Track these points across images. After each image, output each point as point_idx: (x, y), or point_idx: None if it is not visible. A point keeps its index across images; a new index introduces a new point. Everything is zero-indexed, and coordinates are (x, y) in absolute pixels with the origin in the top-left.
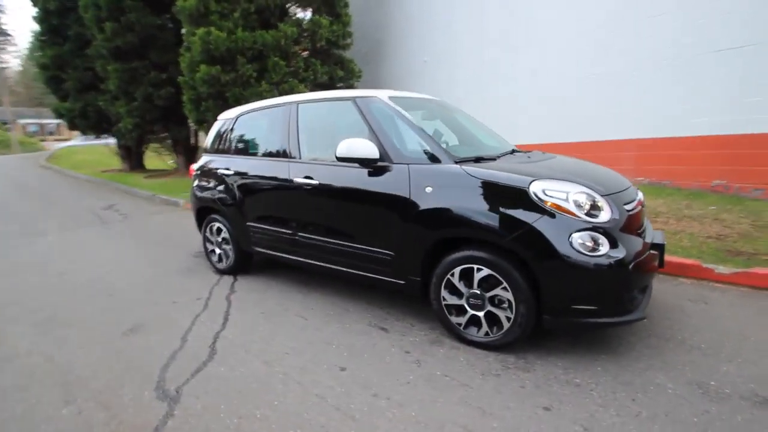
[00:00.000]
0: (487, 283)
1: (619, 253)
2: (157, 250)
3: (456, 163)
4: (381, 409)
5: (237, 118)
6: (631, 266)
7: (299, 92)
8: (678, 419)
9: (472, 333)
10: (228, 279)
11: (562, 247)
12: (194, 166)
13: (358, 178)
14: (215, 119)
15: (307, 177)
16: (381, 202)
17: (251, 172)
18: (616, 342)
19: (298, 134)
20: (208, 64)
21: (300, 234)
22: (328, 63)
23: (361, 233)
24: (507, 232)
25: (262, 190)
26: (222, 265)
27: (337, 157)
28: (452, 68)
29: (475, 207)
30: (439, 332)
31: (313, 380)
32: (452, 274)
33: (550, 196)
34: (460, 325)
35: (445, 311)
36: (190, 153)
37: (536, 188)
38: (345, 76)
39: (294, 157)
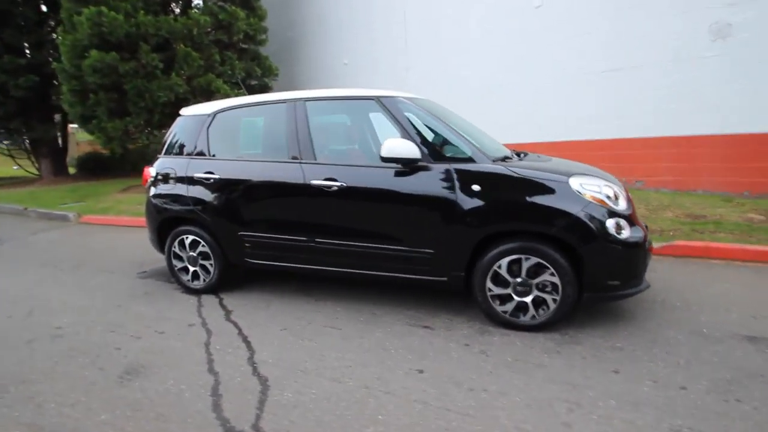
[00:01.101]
0: (533, 271)
1: (638, 234)
2: (82, 276)
3: (493, 162)
4: (488, 401)
5: (214, 115)
6: (646, 245)
7: (218, 88)
8: (705, 361)
9: (521, 318)
10: (211, 299)
11: (602, 232)
12: (151, 171)
13: (393, 179)
14: (111, 116)
15: (329, 179)
16: (420, 202)
17: (247, 176)
18: (616, 311)
19: (310, 134)
20: (101, 49)
21: (318, 240)
22: (245, 59)
23: (397, 234)
24: (557, 223)
25: (264, 195)
26: (198, 284)
27: (382, 158)
28: (373, 73)
29: (525, 202)
30: (479, 322)
31: (401, 387)
32: (499, 266)
33: (588, 189)
34: (506, 312)
35: (490, 301)
36: (58, 157)
37: (575, 183)
38: (263, 74)
39: (307, 159)
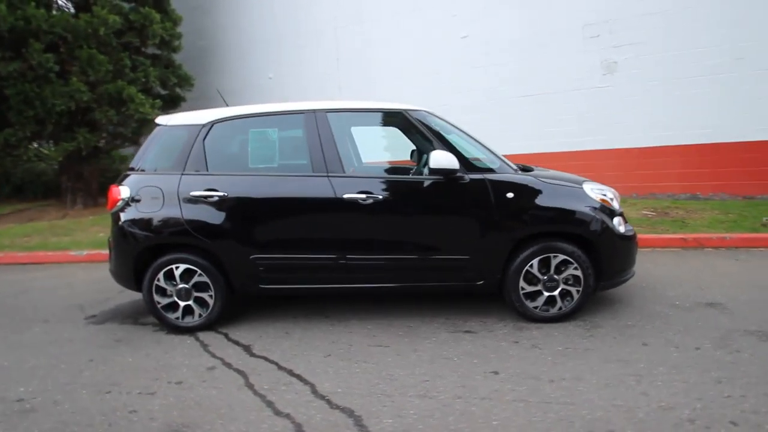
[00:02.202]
0: (559, 267)
1: (631, 229)
2: (12, 332)
3: (515, 172)
4: (573, 388)
5: (211, 125)
6: (636, 236)
7: (132, 97)
8: (694, 326)
9: (549, 311)
10: (213, 336)
11: (611, 228)
12: (122, 191)
13: (430, 189)
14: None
15: (363, 192)
16: (458, 211)
17: (264, 193)
18: (603, 296)
19: (336, 146)
20: None
21: (349, 256)
22: (158, 65)
23: (434, 243)
24: (580, 222)
25: (285, 212)
26: (192, 320)
27: (431, 170)
28: (302, 90)
29: (555, 206)
30: (511, 320)
31: (491, 391)
32: (531, 266)
33: (597, 193)
34: (536, 307)
35: (523, 299)
36: None
37: (587, 188)
38: (178, 83)
39: (335, 172)
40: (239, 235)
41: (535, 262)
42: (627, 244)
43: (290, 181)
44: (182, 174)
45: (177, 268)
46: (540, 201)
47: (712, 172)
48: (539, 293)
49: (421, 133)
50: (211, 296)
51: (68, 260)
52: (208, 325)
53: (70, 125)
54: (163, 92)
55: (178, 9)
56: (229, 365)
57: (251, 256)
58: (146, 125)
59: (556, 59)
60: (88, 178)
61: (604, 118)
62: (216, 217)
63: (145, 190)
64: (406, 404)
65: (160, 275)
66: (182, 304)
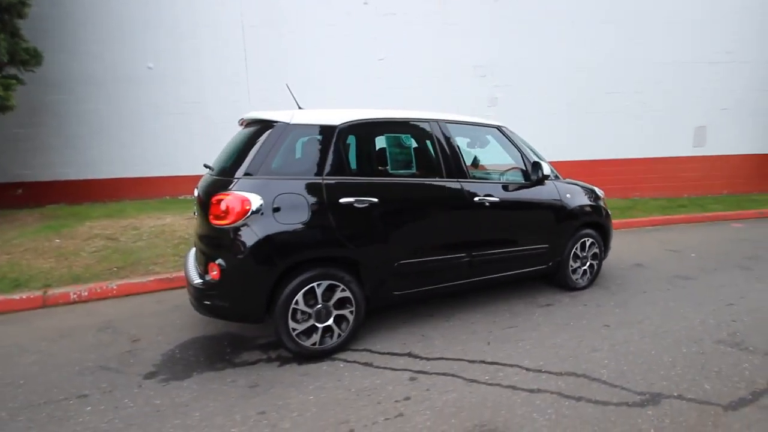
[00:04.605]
0: (587, 246)
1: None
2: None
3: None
4: (616, 338)
5: (347, 128)
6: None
7: None
8: (682, 286)
9: (580, 283)
10: (359, 354)
11: (608, 217)
12: (253, 201)
13: (528, 191)
14: None
15: (487, 195)
16: (547, 208)
17: (410, 198)
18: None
19: (460, 154)
20: None
21: (474, 254)
22: (5, 32)
23: (531, 236)
24: (601, 213)
25: (429, 216)
26: (329, 343)
27: (545, 176)
28: (199, 87)
29: (590, 204)
30: (555, 293)
31: (609, 334)
32: (576, 248)
33: (600, 192)
34: (576, 279)
35: (570, 274)
36: None
37: (597, 189)
38: (26, 59)
39: (462, 177)
40: (387, 242)
41: (578, 245)
42: (611, 227)
43: (431, 186)
44: (324, 179)
45: (319, 285)
46: (585, 199)
47: None
48: (578, 269)
49: (513, 144)
50: (351, 312)
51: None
52: (339, 347)
53: None
54: (12, 71)
55: None
56: (425, 372)
57: (396, 263)
58: None
59: (456, 90)
60: None
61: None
62: (365, 224)
63: (284, 197)
64: (592, 354)
65: (299, 296)
66: (320, 326)
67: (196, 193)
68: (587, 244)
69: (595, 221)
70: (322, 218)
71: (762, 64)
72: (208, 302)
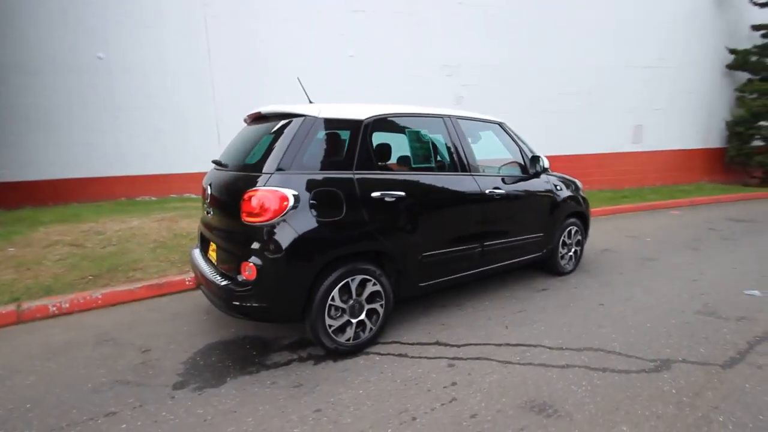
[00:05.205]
0: (574, 234)
1: None
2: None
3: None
4: (605, 312)
5: (372, 122)
6: None
7: None
8: (650, 267)
9: (567, 268)
10: (391, 347)
11: (588, 205)
12: (290, 196)
13: (528, 183)
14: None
15: (495, 187)
16: (542, 199)
17: (433, 190)
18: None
19: (471, 148)
20: None
21: (485, 244)
22: None
23: (531, 226)
24: (583, 203)
25: (449, 208)
26: (363, 337)
27: (545, 169)
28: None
29: (574, 195)
30: (547, 278)
31: (599, 303)
32: (564, 237)
33: (580, 185)
34: (564, 264)
35: (559, 259)
36: None
37: (578, 181)
38: None
39: (473, 170)
40: (414, 234)
41: (566, 233)
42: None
43: (450, 179)
44: (354, 173)
45: (353, 280)
46: (569, 191)
47: None
48: (566, 255)
49: (513, 139)
50: (381, 305)
51: None
52: (372, 339)
53: None
54: None
55: None
56: (460, 358)
57: (420, 255)
58: None
59: (425, 88)
60: None
61: None
62: (394, 218)
63: (319, 192)
64: (600, 330)
65: (334, 292)
66: (354, 321)
67: (209, 190)
68: (572, 231)
69: (578, 210)
70: (357, 213)
71: (687, 68)
72: (237, 303)
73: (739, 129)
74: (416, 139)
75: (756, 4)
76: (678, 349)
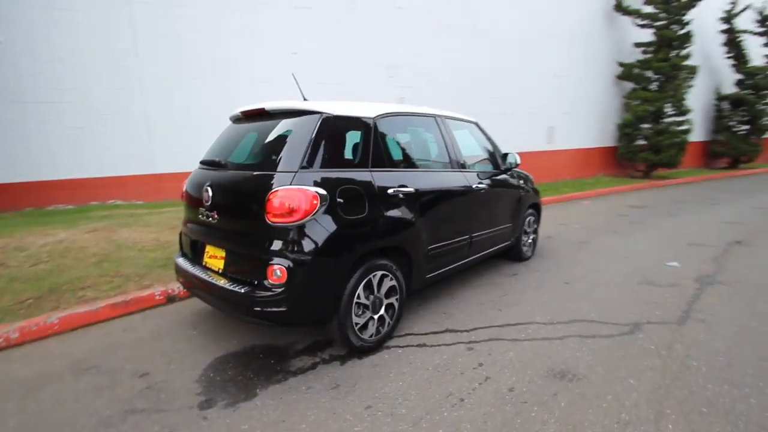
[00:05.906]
0: (532, 223)
1: None
2: None
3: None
4: (571, 292)
5: (380, 119)
6: None
7: None
8: (609, 248)
9: (528, 254)
10: (408, 339)
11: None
12: (321, 195)
13: (503, 178)
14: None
15: (480, 182)
16: (514, 191)
17: (438, 186)
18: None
19: (459, 146)
20: None
21: (473, 235)
22: None
23: (505, 217)
24: (537, 194)
25: (448, 202)
26: (383, 331)
27: (516, 164)
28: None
29: (532, 187)
30: (511, 264)
31: (564, 282)
32: (525, 225)
33: (532, 178)
34: (526, 251)
35: (522, 246)
36: None
37: (530, 175)
38: None
39: (462, 167)
40: (422, 228)
41: (526, 222)
42: None
43: (448, 174)
44: (371, 170)
45: (374, 276)
46: (528, 184)
47: None
48: (527, 242)
49: (487, 137)
50: (397, 300)
51: None
52: (389, 334)
53: None
54: None
55: None
56: (475, 341)
57: (426, 248)
58: None
59: (369, 87)
60: None
61: None
62: (407, 213)
63: (344, 190)
64: (576, 305)
65: (359, 290)
66: (376, 316)
67: (209, 192)
68: (531, 221)
69: (535, 202)
70: (377, 209)
71: (587, 79)
72: (259, 308)
73: (627, 130)
74: (416, 137)
75: (638, 25)
76: (641, 313)
